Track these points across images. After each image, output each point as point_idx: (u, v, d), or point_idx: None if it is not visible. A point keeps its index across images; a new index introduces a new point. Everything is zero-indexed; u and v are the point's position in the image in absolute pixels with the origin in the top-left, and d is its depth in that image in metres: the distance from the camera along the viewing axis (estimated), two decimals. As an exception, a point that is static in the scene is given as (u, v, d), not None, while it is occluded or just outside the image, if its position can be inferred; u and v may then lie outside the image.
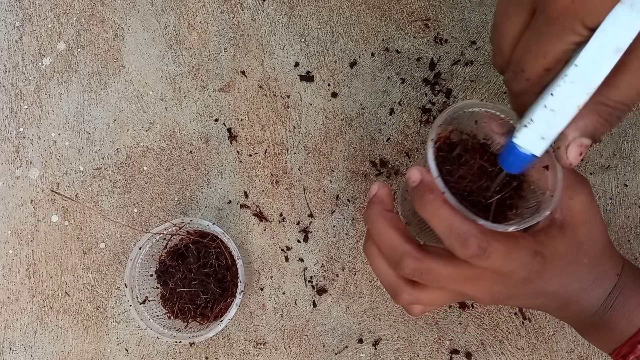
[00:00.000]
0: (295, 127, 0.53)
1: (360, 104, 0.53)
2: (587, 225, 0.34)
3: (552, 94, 0.27)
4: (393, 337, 0.51)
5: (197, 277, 0.49)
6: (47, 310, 0.54)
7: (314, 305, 0.52)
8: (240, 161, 0.54)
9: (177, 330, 0.48)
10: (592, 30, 0.25)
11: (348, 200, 0.53)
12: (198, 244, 0.50)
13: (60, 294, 0.54)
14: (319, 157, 0.53)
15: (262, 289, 0.52)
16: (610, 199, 0.51)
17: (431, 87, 0.53)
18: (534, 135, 0.28)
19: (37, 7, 0.57)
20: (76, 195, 0.55)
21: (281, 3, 0.55)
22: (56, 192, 0.55)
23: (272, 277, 0.52)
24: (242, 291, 0.47)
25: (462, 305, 0.51)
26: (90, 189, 0.55)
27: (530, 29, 0.27)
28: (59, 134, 0.55)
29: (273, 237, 0.53)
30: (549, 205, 0.32)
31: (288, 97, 0.54)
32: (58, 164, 0.55)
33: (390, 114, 0.53)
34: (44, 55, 0.56)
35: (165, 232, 0.48)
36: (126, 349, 0.53)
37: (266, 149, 0.53)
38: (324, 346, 0.51)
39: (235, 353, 0.52)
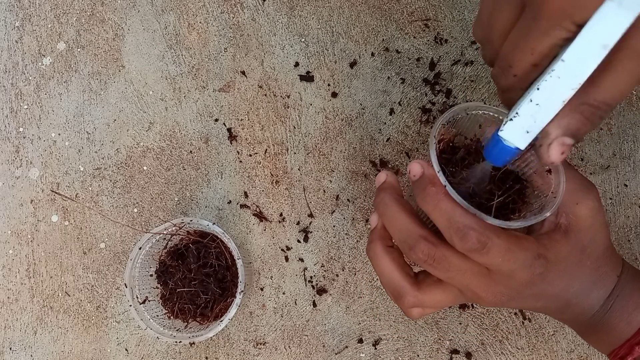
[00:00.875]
0: (295, 127, 0.53)
1: (360, 104, 0.53)
2: (591, 230, 0.34)
3: (538, 88, 0.27)
4: (393, 337, 0.51)
5: (197, 277, 0.49)
6: (47, 310, 0.54)
7: (314, 305, 0.52)
8: (240, 161, 0.54)
9: (177, 330, 0.48)
10: (580, 26, 0.25)
11: (348, 200, 0.53)
12: (198, 244, 0.50)
13: (60, 294, 0.54)
14: (319, 157, 0.53)
15: (262, 289, 0.52)
16: (610, 199, 0.51)
17: (431, 87, 0.53)
18: (519, 129, 0.29)
19: (37, 7, 0.57)
20: (76, 195, 0.55)
21: (281, 3, 0.55)
22: (56, 192, 0.55)
23: (272, 277, 0.52)
24: (242, 291, 0.47)
25: (462, 305, 0.51)
26: (90, 189, 0.55)
27: (519, 24, 0.27)
28: (59, 134, 0.55)
29: (273, 237, 0.53)
30: (551, 206, 0.32)
31: (288, 97, 0.54)
32: (58, 164, 0.55)
33: (390, 114, 0.53)
34: (44, 55, 0.56)
35: (165, 232, 0.48)
36: (126, 349, 0.53)
37: (266, 149, 0.53)
38: (324, 346, 0.51)
39: (235, 353, 0.52)
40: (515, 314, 0.50)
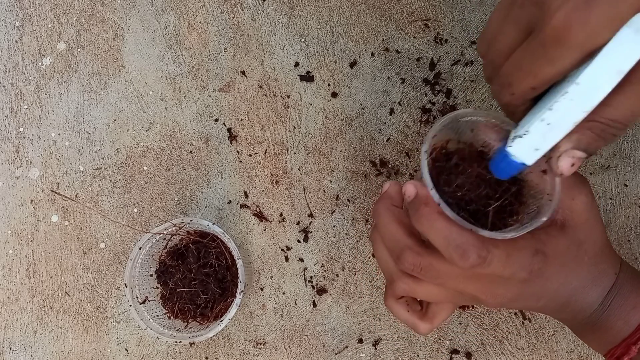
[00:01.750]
0: (295, 127, 0.53)
1: (360, 104, 0.53)
2: (587, 225, 0.34)
3: (550, 109, 0.27)
4: (393, 337, 0.51)
5: (197, 277, 0.49)
6: (47, 310, 0.54)
7: (314, 305, 0.52)
8: (240, 161, 0.54)
9: (177, 330, 0.48)
10: (589, 54, 0.25)
11: (348, 200, 0.53)
12: (198, 244, 0.50)
13: (60, 294, 0.54)
14: (319, 157, 0.53)
15: (262, 289, 0.52)
16: (610, 199, 0.51)
17: (431, 87, 0.53)
18: (528, 146, 0.29)
19: (37, 7, 0.57)
20: (76, 195, 0.55)
21: (281, 3, 0.55)
22: (56, 192, 0.55)
23: (272, 277, 0.52)
24: (242, 291, 0.47)
25: (462, 305, 0.51)
26: (90, 189, 0.55)
27: (525, 47, 0.27)
28: (59, 134, 0.55)
29: (273, 237, 0.53)
30: (548, 211, 0.32)
31: (288, 97, 0.54)
32: (58, 164, 0.55)
33: (390, 114, 0.53)
34: (44, 55, 0.56)
35: (165, 232, 0.48)
36: (126, 349, 0.53)
37: (266, 149, 0.53)
38: (324, 346, 0.51)
39: (235, 353, 0.52)
40: (515, 314, 0.50)
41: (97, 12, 0.56)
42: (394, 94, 0.53)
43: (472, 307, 0.51)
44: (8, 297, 0.54)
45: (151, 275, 0.51)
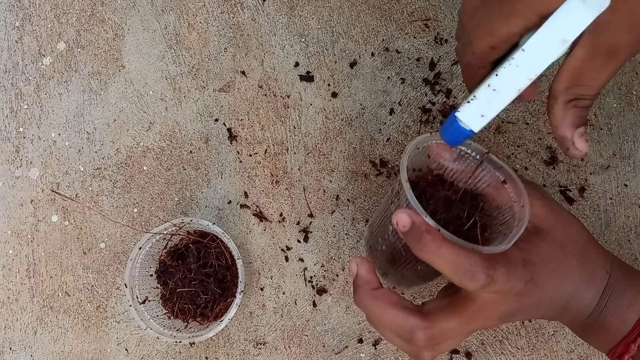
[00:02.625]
0: (295, 127, 0.53)
1: (360, 104, 0.53)
2: (560, 225, 0.34)
3: (496, 75, 0.28)
4: (393, 337, 0.51)
5: (197, 277, 0.49)
6: (47, 310, 0.54)
7: (314, 305, 0.52)
8: (240, 161, 0.54)
9: (177, 330, 0.48)
10: (542, 18, 0.26)
11: (348, 200, 0.53)
12: (198, 244, 0.50)
13: (60, 294, 0.54)
14: (319, 157, 0.53)
15: (262, 289, 0.52)
16: (610, 199, 0.51)
17: (431, 87, 0.53)
18: (475, 112, 0.29)
19: (37, 7, 0.57)
20: (76, 195, 0.55)
21: (281, 3, 0.55)
22: (56, 192, 0.55)
23: (272, 277, 0.52)
24: (242, 291, 0.47)
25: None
26: (90, 189, 0.55)
27: (485, 5, 0.28)
28: (59, 134, 0.55)
29: (273, 237, 0.53)
30: (525, 214, 0.32)
31: (288, 97, 0.54)
32: (58, 164, 0.55)
33: (390, 114, 0.53)
34: (44, 55, 0.56)
35: (165, 232, 0.48)
36: (126, 349, 0.53)
37: (266, 149, 0.53)
38: (324, 346, 0.51)
39: (235, 353, 0.52)
40: (515, 314, 0.50)
41: (97, 12, 0.56)
42: (394, 94, 0.53)
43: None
44: (8, 297, 0.54)
45: (151, 275, 0.51)
